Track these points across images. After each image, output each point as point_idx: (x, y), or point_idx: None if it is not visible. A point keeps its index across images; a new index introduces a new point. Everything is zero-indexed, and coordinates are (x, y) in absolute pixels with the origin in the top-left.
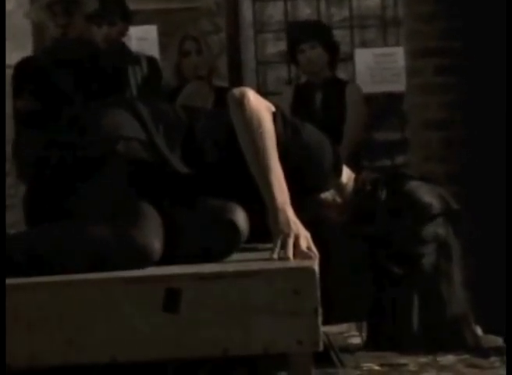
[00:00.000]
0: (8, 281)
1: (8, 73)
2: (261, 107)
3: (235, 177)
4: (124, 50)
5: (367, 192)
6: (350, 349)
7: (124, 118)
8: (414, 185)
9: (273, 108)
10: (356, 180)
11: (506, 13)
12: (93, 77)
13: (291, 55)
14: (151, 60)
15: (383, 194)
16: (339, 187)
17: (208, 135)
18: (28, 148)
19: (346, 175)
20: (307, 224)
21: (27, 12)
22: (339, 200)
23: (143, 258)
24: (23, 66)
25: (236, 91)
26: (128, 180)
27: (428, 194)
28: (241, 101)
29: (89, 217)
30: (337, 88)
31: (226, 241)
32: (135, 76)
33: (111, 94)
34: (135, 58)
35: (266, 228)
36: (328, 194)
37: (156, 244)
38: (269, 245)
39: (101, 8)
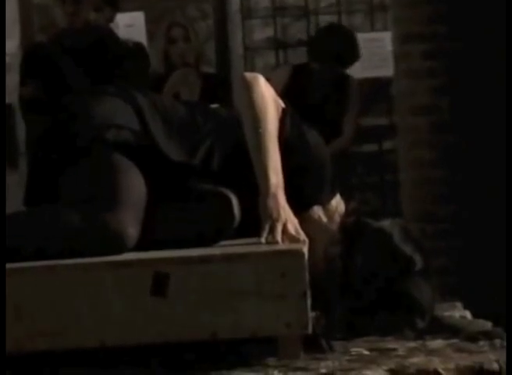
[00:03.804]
0: None
1: None
2: (269, 94)
3: (232, 174)
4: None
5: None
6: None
7: (119, 106)
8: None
9: (283, 105)
10: (346, 211)
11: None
12: (99, 66)
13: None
14: (138, 47)
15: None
16: (327, 208)
17: (216, 138)
18: (28, 133)
19: (335, 199)
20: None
21: None
22: (324, 220)
23: (115, 245)
24: (30, 53)
25: (249, 74)
26: (118, 167)
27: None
28: (252, 84)
29: (65, 202)
30: (336, 77)
31: (220, 226)
32: None
33: (115, 82)
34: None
35: (251, 223)
36: (316, 210)
37: (130, 231)
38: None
39: None
